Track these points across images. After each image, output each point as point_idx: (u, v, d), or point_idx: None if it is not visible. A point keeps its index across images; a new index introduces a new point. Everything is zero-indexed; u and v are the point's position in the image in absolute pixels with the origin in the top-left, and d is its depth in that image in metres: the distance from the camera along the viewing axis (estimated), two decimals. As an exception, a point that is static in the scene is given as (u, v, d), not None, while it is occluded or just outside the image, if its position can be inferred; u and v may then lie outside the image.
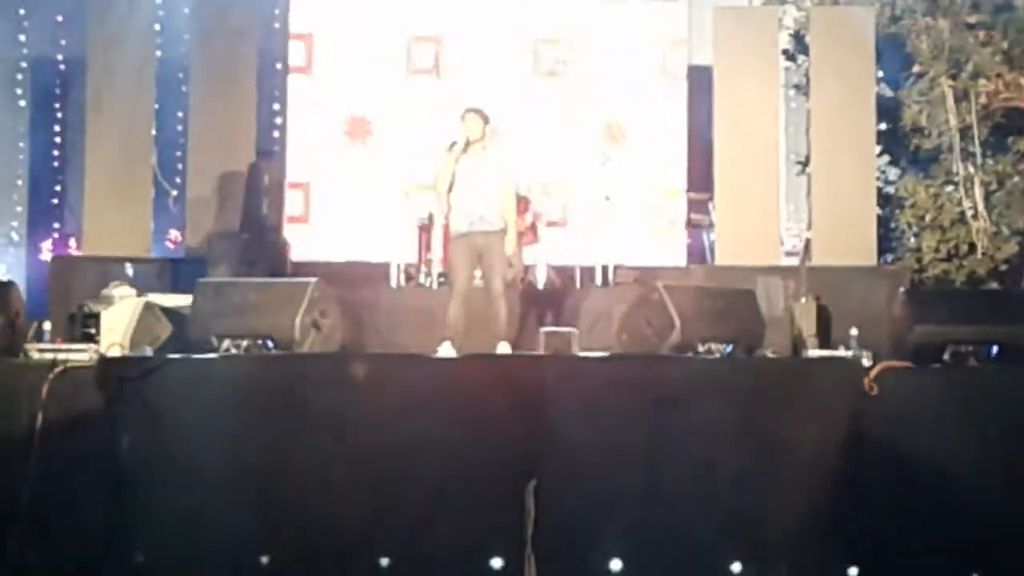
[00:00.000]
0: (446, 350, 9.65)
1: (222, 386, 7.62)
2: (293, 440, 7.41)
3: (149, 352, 9.09)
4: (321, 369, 7.94)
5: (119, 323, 9.41)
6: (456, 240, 10.36)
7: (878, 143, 14.07)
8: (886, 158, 14.72)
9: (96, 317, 9.48)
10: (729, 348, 9.23)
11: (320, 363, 8.27)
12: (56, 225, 15.48)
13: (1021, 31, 13.99)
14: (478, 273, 10.45)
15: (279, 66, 14.84)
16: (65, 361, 7.79)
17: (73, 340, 9.21)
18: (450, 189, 10.34)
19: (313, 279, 9.26)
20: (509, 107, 14.34)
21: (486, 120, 10.46)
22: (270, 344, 8.77)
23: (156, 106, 13.80)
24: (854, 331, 10.07)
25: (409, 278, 12.73)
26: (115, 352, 8.59)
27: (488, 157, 10.43)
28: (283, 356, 8.55)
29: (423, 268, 12.61)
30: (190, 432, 7.37)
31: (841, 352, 9.77)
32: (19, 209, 15.53)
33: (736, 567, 7.25)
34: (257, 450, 7.42)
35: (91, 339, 9.22)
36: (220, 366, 8.07)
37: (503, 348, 9.90)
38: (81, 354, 8.31)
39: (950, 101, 14.09)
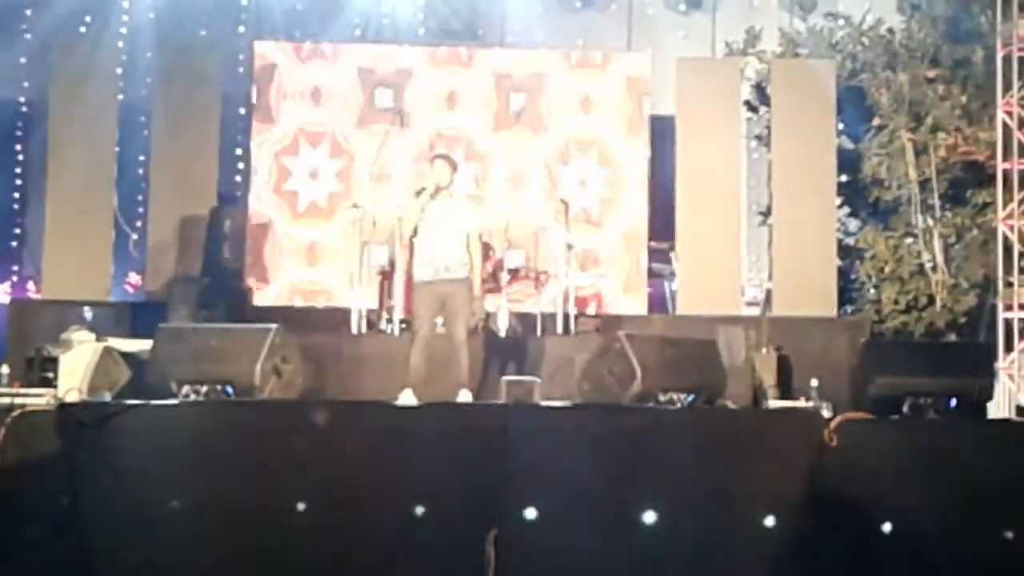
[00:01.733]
0: (407, 397, 9.59)
1: (181, 433, 7.58)
2: (253, 487, 7.37)
3: (108, 397, 9.03)
4: (281, 416, 7.91)
5: (77, 368, 9.32)
6: (420, 288, 10.25)
7: (838, 194, 14.17)
8: (846, 209, 14.81)
9: (54, 361, 9.39)
10: (690, 398, 9.25)
11: (280, 410, 8.24)
12: (15, 267, 15.38)
13: (979, 86, 14.13)
14: (439, 320, 10.42)
15: (242, 111, 14.81)
16: (22, 405, 7.74)
17: (31, 384, 9.12)
18: (414, 235, 10.26)
19: (273, 325, 9.24)
20: (472, 154, 14.45)
21: (454, 167, 10.40)
22: (230, 390, 8.73)
23: (117, 149, 13.75)
24: (814, 382, 10.11)
25: (370, 324, 12.68)
26: (73, 397, 8.54)
27: (454, 204, 10.34)
28: (243, 402, 8.51)
29: (384, 315, 12.57)
30: (149, 479, 7.32)
31: (801, 403, 9.81)
32: (-23, 252, 15.44)
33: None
34: (217, 497, 7.37)
35: (49, 383, 9.13)
36: (179, 412, 8.03)
37: (464, 396, 9.80)
38: (39, 398, 8.26)
39: (910, 154, 14.21)
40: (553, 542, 7.22)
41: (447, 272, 10.11)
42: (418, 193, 10.29)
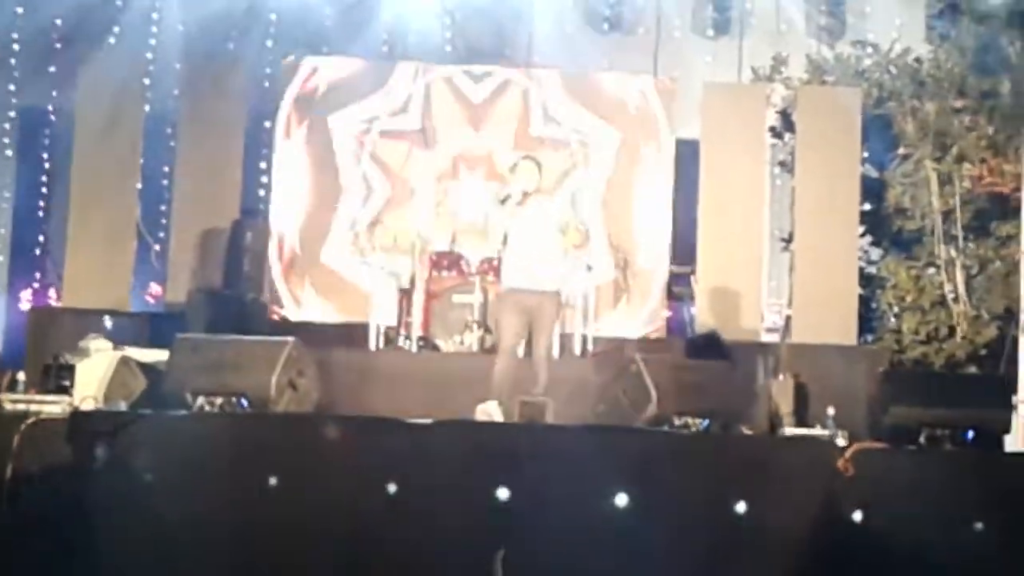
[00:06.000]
0: (493, 410, 9.25)
1: (195, 444, 7.60)
2: (265, 501, 7.39)
3: (123, 406, 9.06)
4: (295, 430, 7.92)
5: (94, 376, 9.36)
6: (505, 296, 9.85)
7: (861, 223, 14.10)
8: (869, 238, 14.75)
9: (71, 369, 9.40)
10: (706, 423, 9.20)
11: (294, 424, 8.24)
12: (37, 275, 15.42)
13: (1006, 117, 14.08)
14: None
15: (268, 124, 14.87)
16: (38, 412, 7.78)
17: (47, 392, 9.13)
18: (503, 245, 9.78)
19: (290, 338, 9.23)
20: (493, 175, 14.47)
21: (540, 167, 9.91)
22: (245, 402, 8.73)
23: (142, 160, 13.81)
24: (831, 410, 10.05)
25: (388, 341, 12.69)
26: (88, 405, 8.56)
27: (545, 208, 9.90)
28: (257, 415, 8.51)
29: (403, 331, 12.58)
30: (161, 489, 7.34)
31: (817, 431, 9.75)
32: (0, 258, 15.47)
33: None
34: (228, 509, 7.39)
35: (65, 391, 9.14)
36: (193, 423, 8.06)
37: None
38: (54, 406, 8.28)
39: (934, 184, 14.14)
40: (561, 563, 7.21)
41: (536, 282, 9.73)
42: (503, 201, 9.79)
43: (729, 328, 13.25)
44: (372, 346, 12.55)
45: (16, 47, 15.48)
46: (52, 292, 14.85)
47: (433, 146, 14.62)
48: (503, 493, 7.24)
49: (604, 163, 14.70)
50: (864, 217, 14.20)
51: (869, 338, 14.24)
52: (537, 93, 14.78)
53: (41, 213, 15.56)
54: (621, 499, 7.28)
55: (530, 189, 9.75)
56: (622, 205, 14.60)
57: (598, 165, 14.71)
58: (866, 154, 14.39)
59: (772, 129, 14.96)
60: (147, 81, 14.24)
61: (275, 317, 13.76)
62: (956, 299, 13.99)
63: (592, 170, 14.71)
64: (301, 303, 14.31)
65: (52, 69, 15.50)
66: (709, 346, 12.78)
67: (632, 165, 14.65)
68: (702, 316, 13.66)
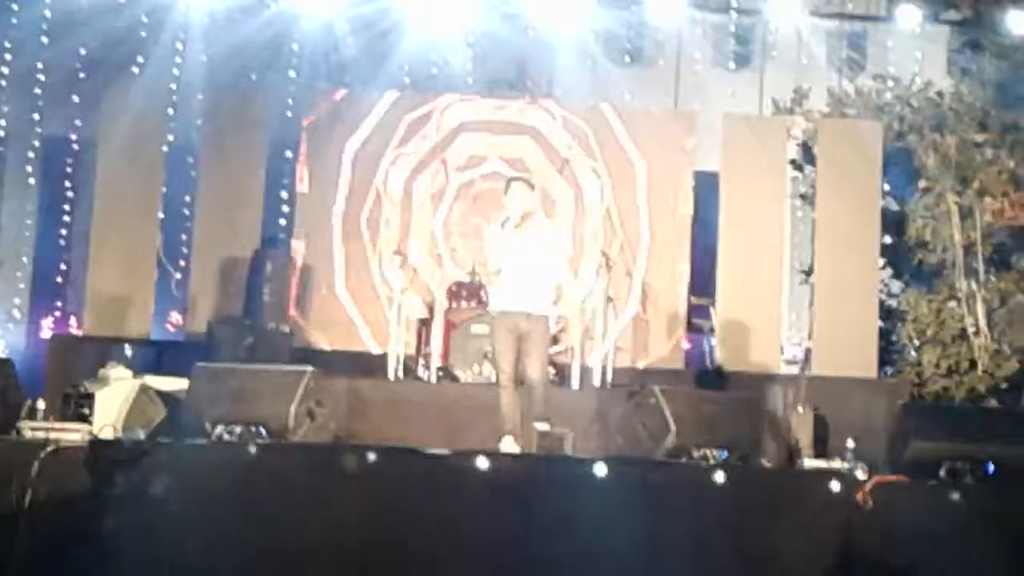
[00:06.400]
0: (508, 445, 9.18)
1: (212, 473, 7.60)
2: (281, 530, 7.38)
3: (141, 435, 9.06)
4: (313, 460, 7.91)
5: (113, 404, 9.38)
6: (496, 319, 9.70)
7: (882, 256, 14.10)
8: (889, 271, 14.73)
9: (91, 397, 9.43)
10: (724, 455, 9.17)
11: (312, 453, 8.24)
12: (59, 303, 15.47)
13: (1028, 151, 14.09)
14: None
15: (289, 154, 14.92)
16: (57, 441, 7.78)
17: (67, 420, 9.16)
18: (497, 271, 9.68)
19: (309, 368, 9.24)
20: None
21: (533, 188, 9.88)
22: (263, 432, 8.73)
23: (164, 189, 13.87)
24: (851, 443, 10.01)
25: (407, 371, 12.68)
26: (107, 434, 8.57)
27: (540, 230, 9.80)
28: (275, 445, 8.51)
29: (421, 361, 12.57)
30: (178, 518, 7.34)
31: (837, 464, 9.71)
32: (22, 286, 15.52)
33: None
34: (244, 539, 7.38)
35: (85, 419, 9.18)
36: (211, 453, 8.06)
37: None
38: (73, 434, 8.30)
39: (955, 217, 14.14)
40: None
41: (527, 305, 9.56)
42: (503, 224, 9.67)
43: (748, 360, 13.25)
44: (391, 376, 12.54)
45: (40, 76, 15.55)
46: (73, 320, 14.89)
47: (454, 182, 14.68)
48: (522, 524, 7.23)
49: (618, 193, 14.66)
50: (885, 250, 14.21)
51: (889, 371, 14.22)
52: (553, 135, 14.77)
53: (63, 242, 15.61)
54: (640, 531, 7.26)
55: (524, 211, 9.67)
56: (635, 235, 14.56)
57: (611, 194, 14.68)
58: (887, 187, 14.41)
59: (793, 162, 14.99)
60: (170, 111, 14.33)
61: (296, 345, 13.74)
62: (977, 332, 13.97)
63: (604, 198, 14.69)
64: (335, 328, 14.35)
65: (75, 98, 15.58)
66: (713, 378, 12.81)
67: (649, 196, 14.61)
68: (721, 348, 13.64)
